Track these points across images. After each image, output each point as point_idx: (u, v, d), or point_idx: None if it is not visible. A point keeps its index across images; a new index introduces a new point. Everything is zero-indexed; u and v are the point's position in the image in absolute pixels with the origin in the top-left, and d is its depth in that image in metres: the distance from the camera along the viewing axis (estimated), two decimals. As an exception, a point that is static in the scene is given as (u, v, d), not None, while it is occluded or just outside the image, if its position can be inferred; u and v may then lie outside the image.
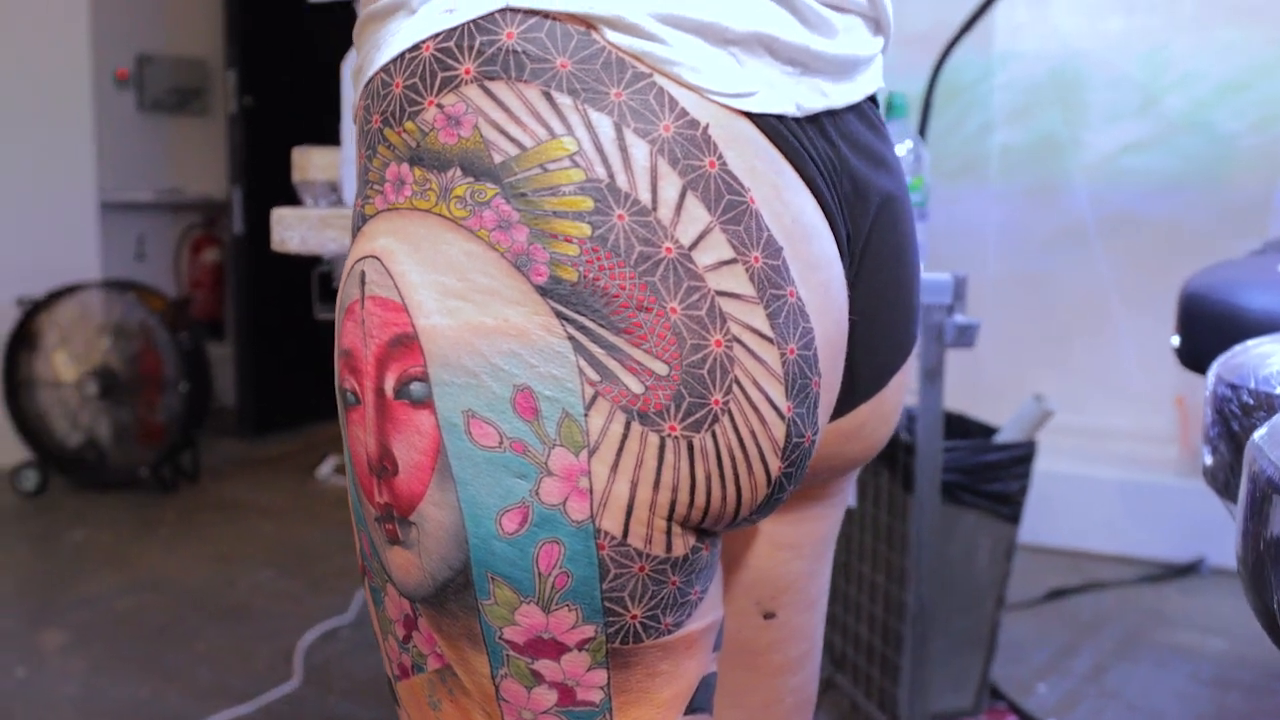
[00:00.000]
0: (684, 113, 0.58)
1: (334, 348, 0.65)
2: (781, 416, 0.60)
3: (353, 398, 0.62)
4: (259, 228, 4.46)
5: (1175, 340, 1.64)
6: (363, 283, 0.61)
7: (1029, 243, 3.55)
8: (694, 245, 0.58)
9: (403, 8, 0.61)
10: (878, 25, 0.72)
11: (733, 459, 0.59)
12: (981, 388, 3.38)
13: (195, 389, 3.78)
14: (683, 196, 0.58)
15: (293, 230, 1.26)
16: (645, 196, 0.57)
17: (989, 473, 1.99)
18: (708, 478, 0.59)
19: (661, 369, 0.57)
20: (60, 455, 3.78)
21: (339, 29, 4.78)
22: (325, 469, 4.01)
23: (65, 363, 3.77)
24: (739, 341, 0.59)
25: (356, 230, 0.63)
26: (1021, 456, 2.02)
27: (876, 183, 0.70)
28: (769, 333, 0.59)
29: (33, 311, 3.75)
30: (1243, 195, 3.33)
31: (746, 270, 0.59)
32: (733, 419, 0.59)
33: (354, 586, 2.91)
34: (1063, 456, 3.24)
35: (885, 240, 0.71)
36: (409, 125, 0.60)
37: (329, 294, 1.67)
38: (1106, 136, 3.46)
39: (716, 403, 0.58)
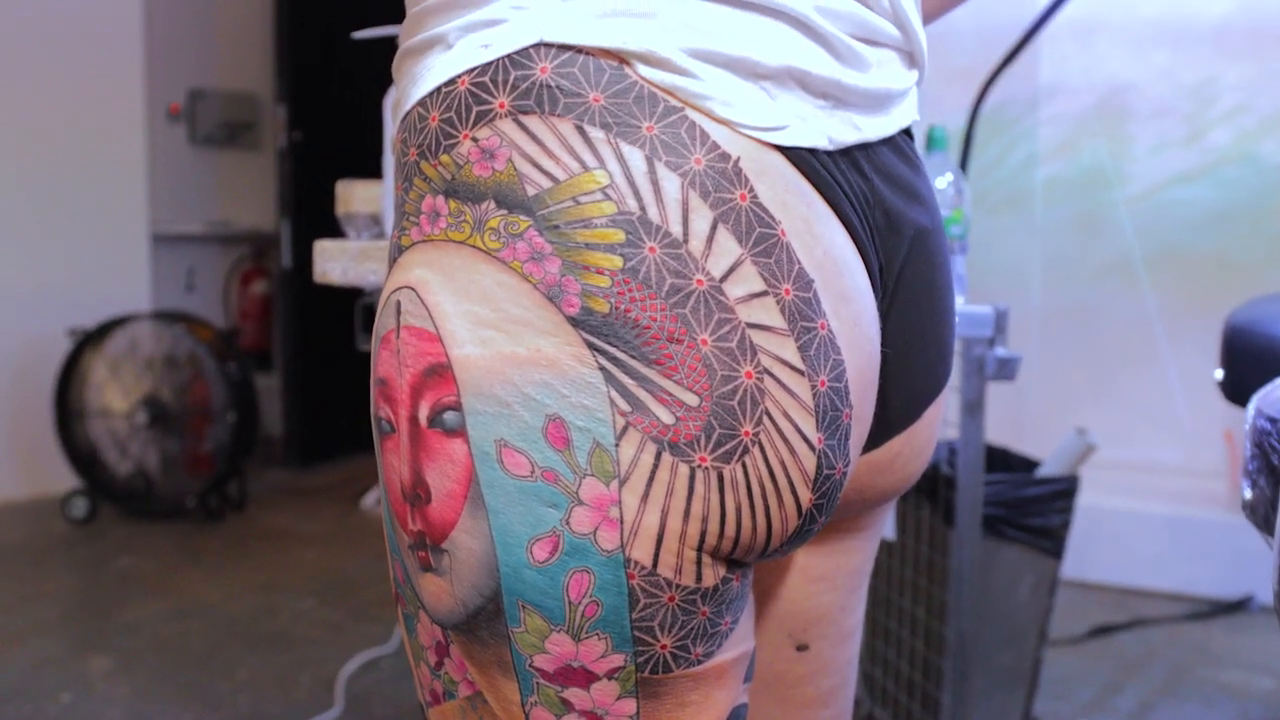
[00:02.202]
0: (715, 146, 0.59)
1: (371, 376, 0.66)
2: (812, 448, 0.61)
3: (387, 426, 0.63)
4: (307, 260, 4.52)
5: (1219, 374, 1.63)
6: (398, 312, 0.62)
7: (1074, 276, 3.53)
8: (725, 277, 0.58)
9: (439, 43, 0.62)
10: (911, 59, 0.72)
11: (763, 490, 0.60)
12: (1026, 421, 3.36)
13: (243, 419, 3.82)
14: (714, 229, 0.58)
15: (334, 262, 1.27)
16: (676, 229, 0.58)
17: (1031, 507, 1.98)
18: (738, 509, 0.60)
19: (692, 400, 0.58)
20: (110, 484, 3.83)
21: (385, 64, 4.82)
22: (369, 499, 4.04)
23: (115, 393, 3.83)
24: (769, 373, 0.59)
25: (393, 261, 0.65)
26: (1064, 490, 2.00)
27: (910, 216, 0.70)
28: (800, 365, 0.60)
29: (84, 342, 3.81)
30: (1291, 227, 3.31)
31: (777, 302, 0.59)
32: (763, 450, 0.59)
33: (395, 616, 2.92)
34: (1109, 491, 3.21)
35: (918, 273, 0.71)
36: (444, 158, 0.61)
37: (372, 325, 1.69)
38: (1152, 169, 3.44)
39: (747, 434, 0.59)
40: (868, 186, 0.67)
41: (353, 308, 4.59)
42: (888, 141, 0.70)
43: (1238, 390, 1.57)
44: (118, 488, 3.83)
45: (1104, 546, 3.19)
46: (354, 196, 1.46)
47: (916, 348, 0.72)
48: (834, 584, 0.80)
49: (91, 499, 3.78)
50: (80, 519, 3.75)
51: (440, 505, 0.61)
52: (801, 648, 0.80)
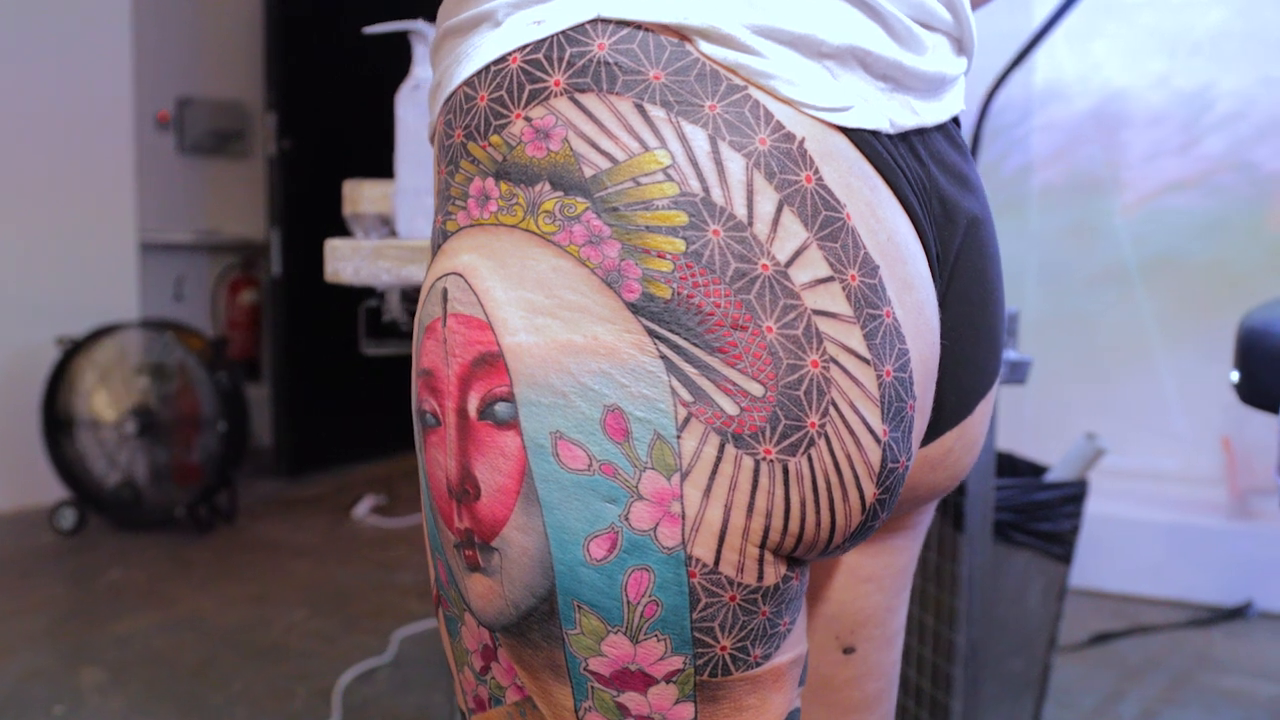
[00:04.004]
0: (780, 126, 0.57)
1: (411, 369, 0.63)
2: (877, 440, 0.58)
3: (432, 419, 0.61)
4: (297, 269, 4.49)
5: (1235, 376, 1.61)
6: (445, 300, 0.59)
7: (1070, 282, 3.52)
8: (790, 262, 0.56)
9: (487, 20, 0.60)
10: (960, 45, 0.70)
11: (828, 484, 0.57)
12: (1023, 427, 3.34)
13: (233, 429, 3.78)
14: (779, 211, 0.56)
15: (346, 262, 1.25)
16: (741, 211, 0.56)
17: (1041, 512, 1.96)
18: (802, 503, 0.57)
19: (757, 390, 0.55)
20: (98, 495, 3.78)
21: (377, 73, 4.79)
22: (361, 509, 4.00)
23: (104, 402, 3.78)
24: (835, 362, 0.57)
25: (437, 248, 0.62)
26: (1073, 495, 1.98)
27: (964, 204, 0.68)
28: (866, 354, 0.58)
29: (72, 351, 3.76)
30: (1286, 235, 3.31)
31: (843, 289, 0.57)
32: (829, 442, 0.57)
33: (391, 626, 2.89)
34: (1107, 498, 3.19)
35: (972, 263, 0.69)
36: (494, 139, 0.58)
37: (376, 329, 1.67)
38: (1147, 176, 3.44)
39: (813, 425, 0.56)
40: (924, 173, 0.65)
41: (345, 317, 4.56)
42: (940, 128, 0.68)
43: (1256, 393, 1.55)
44: (106, 498, 3.78)
45: (1103, 553, 3.18)
46: (362, 196, 1.44)
47: (970, 340, 0.70)
48: (881, 584, 0.78)
49: (80, 510, 3.73)
50: (68, 530, 3.70)
51: (490, 501, 0.58)
52: (848, 650, 0.78)
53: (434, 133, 0.66)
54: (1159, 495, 3.32)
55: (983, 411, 0.74)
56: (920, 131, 0.65)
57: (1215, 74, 3.33)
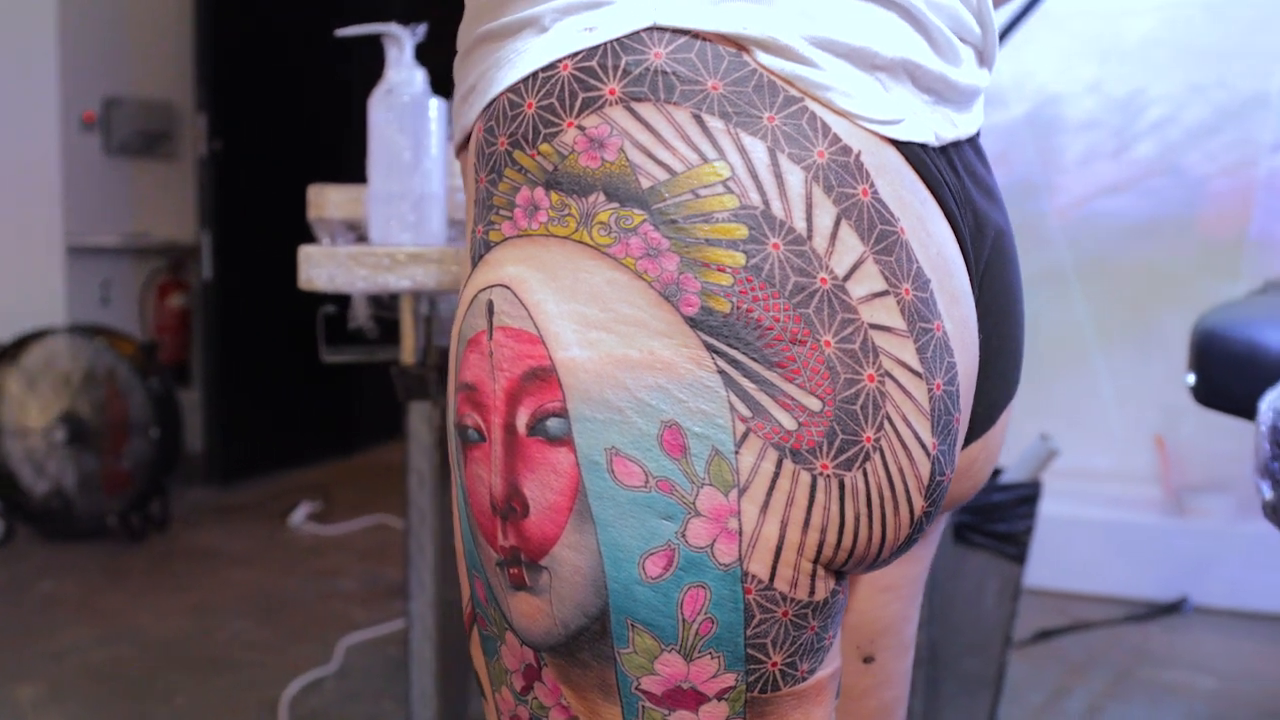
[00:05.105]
0: (837, 139, 0.57)
1: (450, 381, 0.62)
2: (928, 454, 0.58)
3: (475, 434, 0.59)
4: (228, 273, 4.41)
5: (1190, 379, 1.64)
6: (490, 313, 0.58)
7: (1007, 284, 3.57)
8: (848, 276, 0.56)
9: (531, 26, 0.59)
10: (983, 57, 0.71)
11: (881, 498, 0.57)
12: (964, 429, 3.38)
13: (165, 435, 3.71)
14: (837, 225, 0.56)
15: (321, 268, 1.23)
16: (800, 225, 0.55)
17: (997, 513, 1.98)
18: (856, 518, 0.57)
19: (815, 404, 0.55)
20: (26, 504, 3.68)
21: (311, 73, 4.72)
22: (298, 516, 3.94)
23: (32, 409, 3.68)
24: (890, 376, 0.57)
25: (478, 258, 0.61)
26: (1027, 496, 2.01)
27: (992, 216, 0.69)
28: (918, 367, 0.58)
29: (-2, 357, 3.66)
30: (1215, 238, 3.39)
31: (898, 303, 0.57)
32: (883, 457, 0.57)
33: (335, 636, 2.85)
34: (1044, 497, 3.24)
35: (999, 275, 0.70)
36: (544, 148, 0.57)
37: (336, 336, 1.64)
38: (1081, 180, 3.50)
39: (869, 440, 0.56)
40: (960, 185, 0.65)
41: (277, 320, 4.49)
42: (970, 140, 0.68)
43: (1213, 394, 1.58)
44: (34, 508, 3.68)
45: (1042, 551, 3.23)
46: (327, 201, 1.41)
47: (996, 352, 0.71)
48: (899, 593, 0.78)
49: (7, 520, 3.63)
50: (-5, 542, 3.60)
51: (540, 519, 0.57)
52: (868, 659, 0.78)
53: (465, 140, 0.64)
54: (1095, 493, 3.38)
55: (1004, 422, 0.74)
56: (955, 144, 0.65)
57: (1146, 80, 3.41)
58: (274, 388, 4.62)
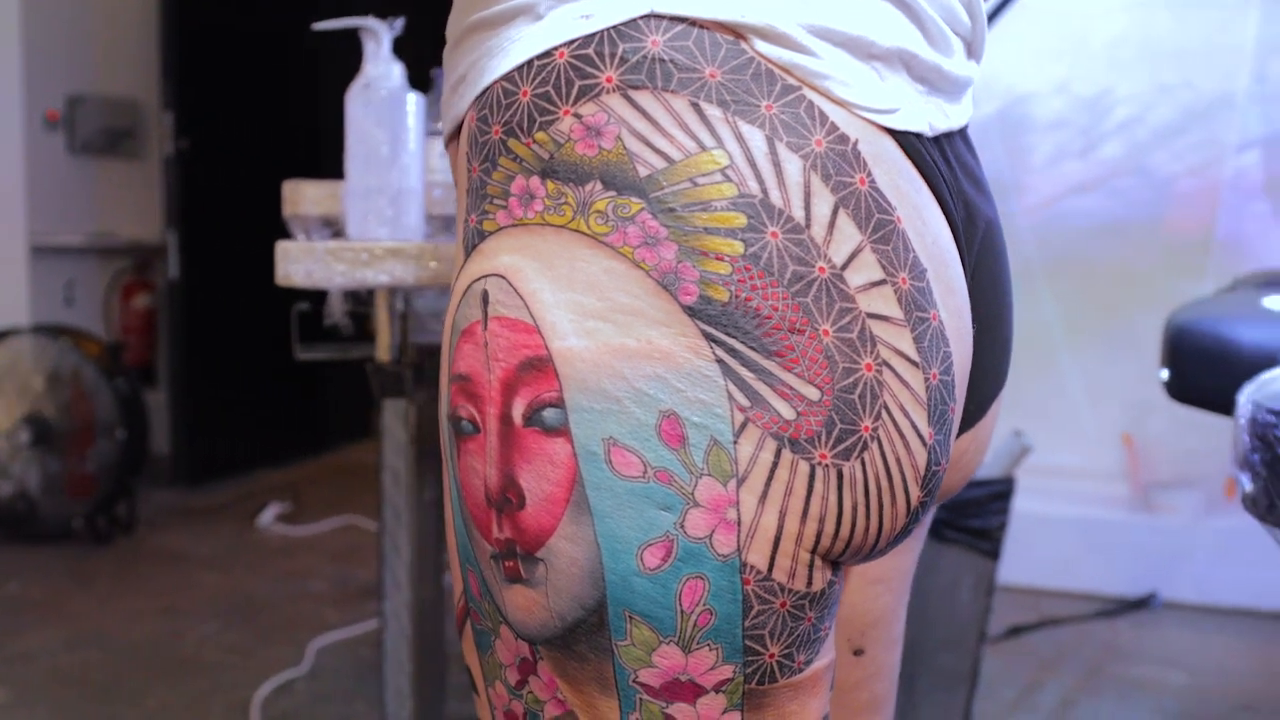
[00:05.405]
0: (835, 127, 0.57)
1: (442, 373, 0.61)
2: (924, 443, 0.58)
3: (469, 426, 0.59)
4: (195, 272, 4.37)
5: (1164, 374, 1.66)
6: (485, 302, 0.58)
7: (976, 283, 3.59)
8: (846, 265, 0.56)
9: (525, 14, 0.58)
10: (970, 49, 0.71)
11: (879, 488, 0.57)
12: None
13: (132, 437, 3.67)
14: (835, 214, 0.56)
15: (298, 264, 1.21)
16: (799, 213, 0.55)
17: (971, 509, 1.99)
18: (854, 508, 0.57)
19: (813, 394, 0.55)
20: (-11, 506, 3.63)
21: (279, 70, 4.68)
22: (266, 517, 3.91)
23: (-4, 410, 3.64)
24: (888, 366, 0.57)
25: (471, 248, 0.60)
26: (1001, 493, 2.02)
27: (982, 208, 0.69)
28: (915, 357, 0.58)
29: (-40, 358, 3.61)
30: (1182, 236, 3.42)
31: (895, 292, 0.57)
32: (881, 446, 0.57)
33: (306, 637, 2.83)
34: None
35: (989, 267, 0.70)
36: (540, 136, 0.57)
37: (310, 333, 1.63)
38: (1049, 179, 3.53)
39: (866, 429, 0.56)
40: (953, 176, 0.65)
41: (245, 320, 4.46)
42: (960, 131, 0.68)
43: (1186, 390, 1.60)
44: (-2, 510, 3.63)
45: (1012, 548, 3.25)
46: (303, 197, 1.40)
47: (987, 343, 0.71)
48: (890, 585, 0.78)
49: (-30, 523, 3.58)
50: (-42, 545, 3.55)
51: (536, 510, 0.56)
52: (858, 652, 0.78)
53: (456, 130, 0.64)
54: (1064, 491, 3.40)
55: (994, 414, 0.74)
56: (947, 135, 0.65)
57: (1113, 80, 3.43)
58: (242, 388, 4.58)
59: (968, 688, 2.06)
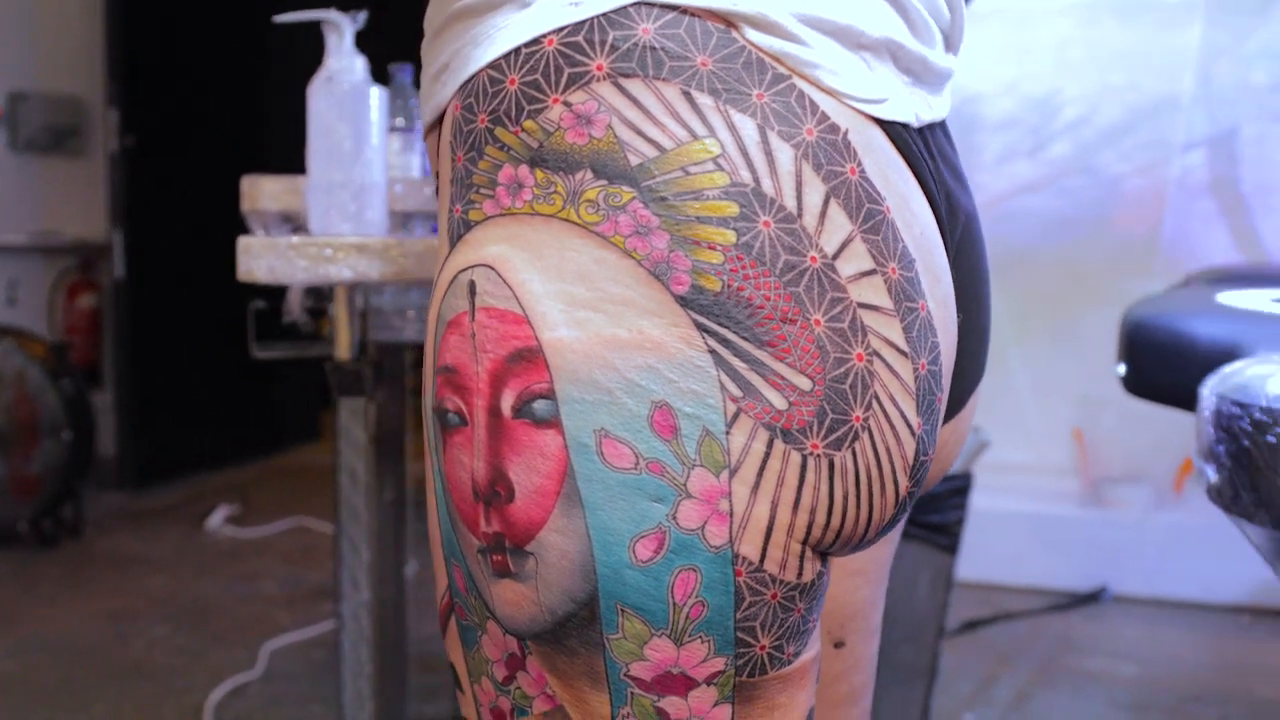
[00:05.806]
0: (825, 117, 0.56)
1: (426, 365, 0.61)
2: (913, 433, 0.58)
3: (455, 418, 0.58)
4: (140, 271, 4.30)
5: (1121, 369, 1.68)
6: (472, 293, 0.57)
7: (928, 281, 3.62)
8: (837, 255, 0.56)
9: (511, 1, 0.58)
10: (949, 42, 0.71)
11: (869, 478, 0.57)
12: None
13: (78, 438, 3.61)
14: (826, 204, 0.55)
15: (260, 260, 1.20)
16: (791, 203, 0.55)
17: (929, 504, 2.00)
18: (845, 498, 0.57)
19: (805, 384, 0.55)
20: (-71, 511, 3.56)
21: (226, 66, 4.62)
22: (215, 519, 3.85)
23: (-64, 412, 3.56)
24: (878, 355, 0.56)
25: (456, 238, 0.59)
26: (959, 488, 2.03)
27: (962, 200, 0.69)
28: (905, 347, 0.58)
29: (-101, 359, 3.53)
30: (1130, 235, 3.47)
31: (885, 281, 0.57)
32: (871, 436, 0.57)
33: (258, 640, 2.79)
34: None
35: (968, 258, 0.70)
36: (529, 124, 0.56)
37: (268, 331, 1.60)
38: (999, 178, 3.56)
39: (857, 419, 0.56)
40: (935, 168, 0.65)
41: (191, 319, 4.40)
42: (941, 124, 0.69)
43: (1143, 384, 1.62)
44: (-61, 515, 3.56)
45: (966, 544, 3.27)
46: (261, 193, 1.38)
47: (967, 334, 0.71)
48: (869, 577, 0.79)
49: (-90, 528, 3.51)
50: (-102, 550, 3.47)
51: (526, 503, 0.56)
52: (838, 644, 0.78)
53: (438, 119, 0.63)
54: (1015, 486, 3.43)
55: (973, 405, 0.75)
56: (930, 127, 0.65)
57: (1061, 81, 3.48)
58: (189, 389, 4.52)
59: (926, 682, 2.07)
